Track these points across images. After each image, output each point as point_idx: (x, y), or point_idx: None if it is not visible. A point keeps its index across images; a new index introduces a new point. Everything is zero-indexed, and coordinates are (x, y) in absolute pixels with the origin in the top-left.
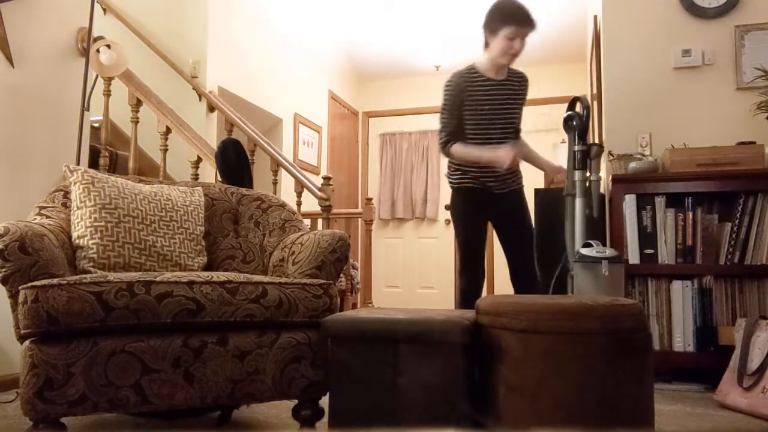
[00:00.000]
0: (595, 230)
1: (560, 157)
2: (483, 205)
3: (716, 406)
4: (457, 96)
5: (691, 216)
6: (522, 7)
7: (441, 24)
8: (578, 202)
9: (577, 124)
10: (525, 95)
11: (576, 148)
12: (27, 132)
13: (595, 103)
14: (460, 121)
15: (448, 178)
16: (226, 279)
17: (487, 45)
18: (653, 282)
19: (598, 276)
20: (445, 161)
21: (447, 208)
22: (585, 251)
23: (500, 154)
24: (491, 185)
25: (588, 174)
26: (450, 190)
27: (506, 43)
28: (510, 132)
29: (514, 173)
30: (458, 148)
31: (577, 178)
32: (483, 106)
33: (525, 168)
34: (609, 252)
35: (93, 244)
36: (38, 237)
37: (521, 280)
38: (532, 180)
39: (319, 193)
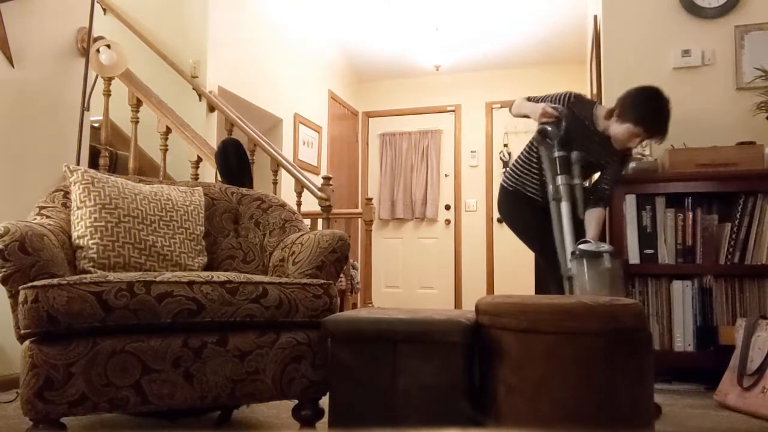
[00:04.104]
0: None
1: None
2: (531, 209)
3: (716, 406)
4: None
5: (691, 216)
6: (663, 118)
7: (440, 24)
8: (564, 206)
9: (554, 133)
10: (618, 159)
11: (557, 154)
12: (27, 132)
13: None
14: None
15: (506, 180)
16: (226, 279)
17: (610, 115)
18: (653, 282)
19: (599, 270)
20: (444, 162)
21: (499, 221)
22: (584, 247)
23: (537, 109)
24: (538, 199)
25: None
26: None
27: (627, 136)
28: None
29: None
30: (517, 101)
31: (560, 183)
32: (574, 134)
33: None
34: (607, 246)
35: (93, 244)
36: (38, 237)
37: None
38: None
39: (319, 193)
